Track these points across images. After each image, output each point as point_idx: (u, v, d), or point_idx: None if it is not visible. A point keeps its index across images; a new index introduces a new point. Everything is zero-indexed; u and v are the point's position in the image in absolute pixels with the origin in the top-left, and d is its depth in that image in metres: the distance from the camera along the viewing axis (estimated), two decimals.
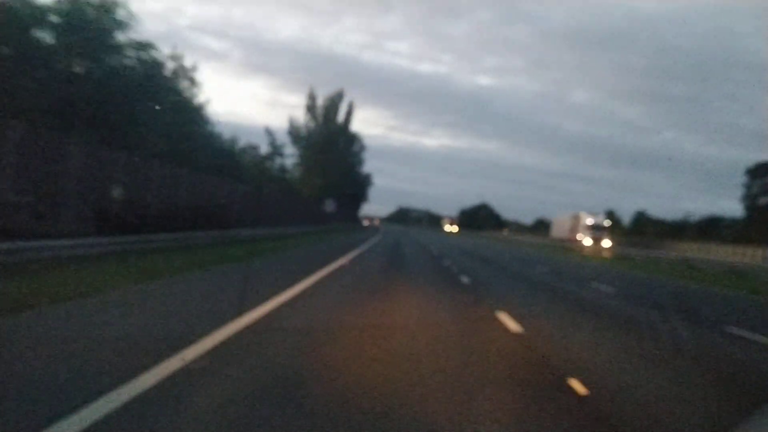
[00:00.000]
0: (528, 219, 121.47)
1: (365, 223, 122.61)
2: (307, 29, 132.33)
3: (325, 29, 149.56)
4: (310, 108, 71.86)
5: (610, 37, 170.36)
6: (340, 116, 72.60)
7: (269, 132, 59.01)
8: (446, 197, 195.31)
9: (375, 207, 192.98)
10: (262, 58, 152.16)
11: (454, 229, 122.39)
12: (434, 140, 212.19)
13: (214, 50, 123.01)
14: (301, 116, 71.34)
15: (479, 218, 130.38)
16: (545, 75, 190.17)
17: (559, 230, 67.19)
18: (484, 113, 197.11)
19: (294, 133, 70.53)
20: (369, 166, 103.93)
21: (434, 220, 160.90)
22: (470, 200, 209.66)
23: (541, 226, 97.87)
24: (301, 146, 70.68)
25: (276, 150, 58.92)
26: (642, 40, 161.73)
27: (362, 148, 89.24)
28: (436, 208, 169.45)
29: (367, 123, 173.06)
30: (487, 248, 45.56)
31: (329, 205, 50.53)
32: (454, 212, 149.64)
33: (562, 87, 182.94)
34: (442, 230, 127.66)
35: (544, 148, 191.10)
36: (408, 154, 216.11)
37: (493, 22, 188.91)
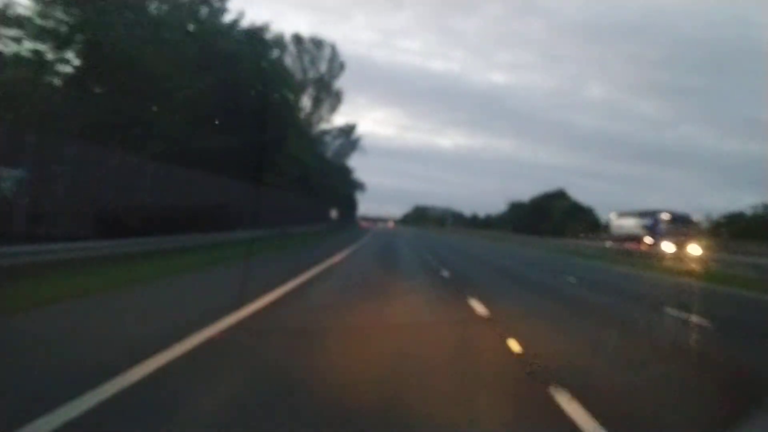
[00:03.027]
0: None
1: (364, 224, 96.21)
2: (316, 28, 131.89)
3: (334, 28, 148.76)
4: None
5: (624, 30, 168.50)
6: None
7: None
8: (463, 197, 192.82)
9: (388, 207, 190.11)
10: None
11: (697, 250, 35.63)
12: (448, 139, 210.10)
13: None
14: None
15: (554, 215, 74.44)
16: (559, 70, 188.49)
17: None
18: (498, 110, 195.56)
19: None
20: (380, 165, 70.98)
21: (461, 222, 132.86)
22: (487, 199, 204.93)
23: None
24: None
25: None
26: (657, 32, 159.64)
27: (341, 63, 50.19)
28: (456, 208, 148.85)
29: (379, 123, 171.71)
30: None
31: None
32: (494, 211, 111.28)
33: (577, 82, 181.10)
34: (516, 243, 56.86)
35: (560, 144, 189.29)
36: (422, 154, 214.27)
37: (505, 17, 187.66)
